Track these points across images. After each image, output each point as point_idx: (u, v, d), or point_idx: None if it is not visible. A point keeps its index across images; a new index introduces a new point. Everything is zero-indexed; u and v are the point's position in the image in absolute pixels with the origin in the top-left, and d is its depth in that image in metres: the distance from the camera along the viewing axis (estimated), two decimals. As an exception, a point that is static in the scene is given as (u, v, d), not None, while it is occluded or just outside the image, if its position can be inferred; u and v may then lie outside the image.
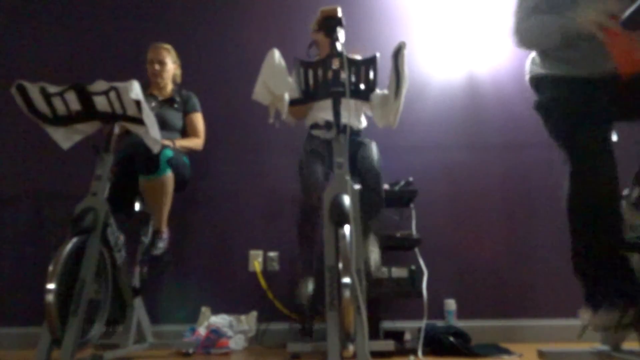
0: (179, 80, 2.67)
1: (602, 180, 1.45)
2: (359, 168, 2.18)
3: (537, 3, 1.61)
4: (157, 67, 2.51)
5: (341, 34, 1.78)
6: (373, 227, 2.16)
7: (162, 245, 2.26)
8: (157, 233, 2.27)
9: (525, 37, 1.65)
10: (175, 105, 2.51)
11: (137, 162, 2.12)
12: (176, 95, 2.56)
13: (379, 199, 2.16)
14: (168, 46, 2.59)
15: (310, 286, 2.05)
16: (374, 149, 2.25)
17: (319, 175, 2.13)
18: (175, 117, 2.48)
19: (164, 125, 2.38)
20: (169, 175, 2.20)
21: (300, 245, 2.21)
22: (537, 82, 1.73)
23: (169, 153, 2.19)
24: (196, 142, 2.50)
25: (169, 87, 2.60)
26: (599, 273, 1.47)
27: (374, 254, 2.04)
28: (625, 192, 1.63)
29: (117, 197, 2.06)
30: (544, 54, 1.71)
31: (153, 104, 2.40)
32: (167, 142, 2.28)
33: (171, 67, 2.57)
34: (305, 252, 2.16)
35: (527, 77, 1.81)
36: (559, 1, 1.59)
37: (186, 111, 2.54)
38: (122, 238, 2.00)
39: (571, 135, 1.52)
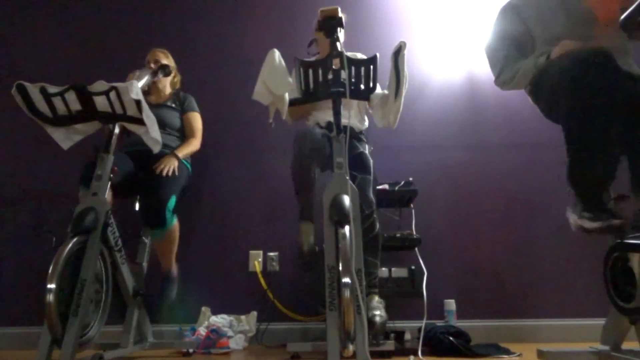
0: (178, 86, 2.69)
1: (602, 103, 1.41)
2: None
3: (507, 53, 1.84)
4: (152, 66, 2.51)
5: (342, 34, 1.77)
6: (377, 280, 2.02)
7: (174, 291, 2.30)
8: (167, 278, 2.29)
9: (506, 85, 1.85)
10: (173, 105, 2.51)
11: (145, 217, 2.18)
12: (174, 97, 2.57)
13: (374, 231, 2.00)
14: (165, 50, 2.61)
15: (310, 231, 1.99)
16: (371, 177, 2.10)
17: (315, 132, 2.00)
18: (173, 117, 2.48)
19: (162, 125, 2.39)
20: (175, 225, 2.25)
21: (297, 191, 2.06)
22: (534, 79, 1.72)
23: (173, 202, 2.18)
24: (195, 144, 2.50)
25: (168, 91, 2.60)
26: (591, 186, 1.52)
27: (380, 317, 1.89)
28: None
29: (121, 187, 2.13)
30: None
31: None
32: (172, 163, 2.25)
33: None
34: (303, 196, 2.05)
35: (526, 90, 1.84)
36: (524, 46, 1.82)
37: (184, 111, 2.55)
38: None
39: (576, 102, 1.46)
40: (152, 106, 2.43)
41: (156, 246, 2.29)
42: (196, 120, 2.56)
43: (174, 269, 2.33)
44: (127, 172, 2.22)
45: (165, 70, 2.44)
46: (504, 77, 1.85)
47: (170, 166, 2.24)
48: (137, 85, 1.79)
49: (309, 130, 1.99)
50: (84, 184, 2.04)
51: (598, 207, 1.50)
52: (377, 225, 2.02)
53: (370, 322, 1.84)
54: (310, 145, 1.91)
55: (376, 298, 1.95)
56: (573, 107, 1.46)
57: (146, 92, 2.53)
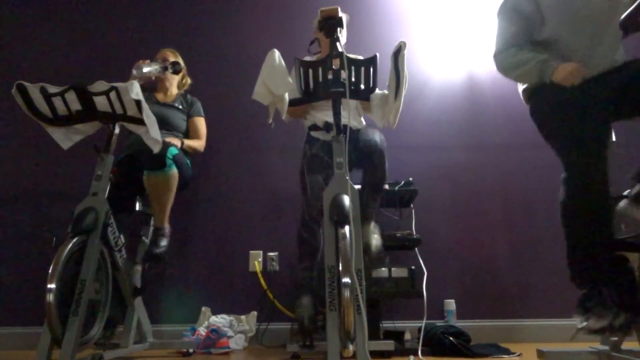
0: (187, 87, 2.70)
1: (595, 184, 1.48)
2: (362, 149, 2.11)
3: (518, 31, 1.79)
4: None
5: (343, 33, 1.77)
6: (375, 213, 2.13)
7: (164, 243, 2.18)
8: (159, 230, 2.20)
9: (502, 66, 1.82)
10: (180, 107, 2.52)
11: (143, 158, 2.11)
12: (181, 98, 2.57)
13: (382, 176, 2.11)
14: (174, 50, 2.63)
15: (310, 303, 2.03)
16: (376, 132, 2.18)
17: (320, 186, 2.06)
18: (179, 118, 2.49)
19: (167, 126, 2.40)
20: (174, 172, 2.18)
21: (300, 256, 2.16)
22: (532, 92, 1.76)
23: (174, 150, 2.19)
24: (199, 144, 2.52)
25: (174, 90, 2.60)
26: (593, 277, 1.50)
27: (375, 240, 2.01)
28: (627, 192, 1.64)
29: (118, 196, 2.07)
30: None
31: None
32: (175, 142, 2.29)
33: None
34: (305, 264, 2.12)
35: (520, 89, 1.84)
36: (532, 24, 1.77)
37: (190, 115, 2.56)
38: (122, 238, 2.00)
39: (568, 138, 1.54)
40: (159, 104, 2.45)
41: (152, 195, 2.19)
42: (202, 125, 2.58)
43: (167, 224, 2.23)
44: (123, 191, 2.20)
45: (175, 67, 2.45)
46: (505, 59, 1.80)
47: (174, 141, 2.26)
48: (137, 85, 1.79)
49: (319, 190, 2.02)
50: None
51: (604, 294, 1.46)
52: (386, 170, 2.11)
53: (366, 246, 1.94)
54: (319, 212, 1.90)
55: (372, 225, 2.05)
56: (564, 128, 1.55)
57: (153, 86, 2.54)
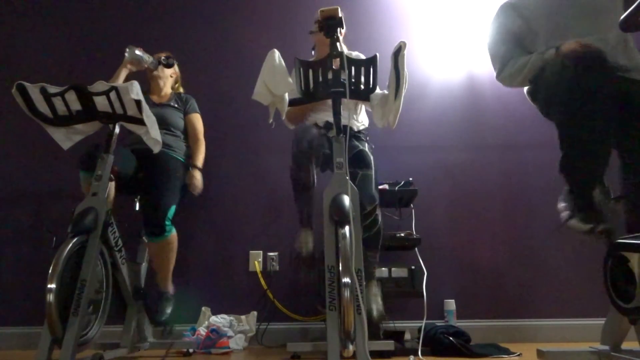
0: (178, 90, 2.68)
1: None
2: (351, 158, 2.02)
3: (508, 47, 1.82)
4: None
5: (341, 34, 1.77)
6: (375, 269, 2.04)
7: (169, 309, 2.20)
8: (163, 294, 2.22)
9: (513, 80, 1.83)
10: (175, 105, 2.52)
11: (145, 224, 2.15)
12: (176, 97, 2.57)
13: (377, 225, 2.00)
14: (169, 54, 2.62)
15: (310, 238, 1.98)
16: (373, 173, 2.08)
17: (313, 130, 1.97)
18: (176, 117, 2.49)
19: (166, 125, 2.39)
20: (173, 234, 2.20)
21: (295, 194, 2.06)
22: (534, 77, 1.74)
23: (171, 213, 2.18)
24: (203, 148, 2.51)
25: (168, 90, 2.60)
26: (582, 182, 1.54)
27: (377, 304, 1.91)
28: None
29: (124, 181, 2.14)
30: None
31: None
32: (198, 176, 2.35)
33: (169, 70, 2.58)
34: (301, 201, 2.04)
35: (525, 90, 1.84)
36: (524, 42, 1.80)
37: (186, 112, 2.55)
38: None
39: (568, 118, 1.50)
40: (155, 105, 2.45)
41: (153, 258, 2.22)
42: (199, 122, 2.57)
43: (170, 287, 2.26)
44: (129, 169, 2.21)
45: (168, 60, 2.46)
46: (508, 71, 1.81)
47: (200, 185, 2.35)
48: (137, 85, 1.79)
49: (307, 128, 1.96)
50: (83, 169, 2.03)
51: (589, 207, 1.53)
52: (380, 222, 2.01)
53: (368, 312, 1.84)
54: (308, 143, 1.88)
55: (373, 288, 1.95)
56: (567, 107, 1.48)
57: (147, 89, 2.54)
